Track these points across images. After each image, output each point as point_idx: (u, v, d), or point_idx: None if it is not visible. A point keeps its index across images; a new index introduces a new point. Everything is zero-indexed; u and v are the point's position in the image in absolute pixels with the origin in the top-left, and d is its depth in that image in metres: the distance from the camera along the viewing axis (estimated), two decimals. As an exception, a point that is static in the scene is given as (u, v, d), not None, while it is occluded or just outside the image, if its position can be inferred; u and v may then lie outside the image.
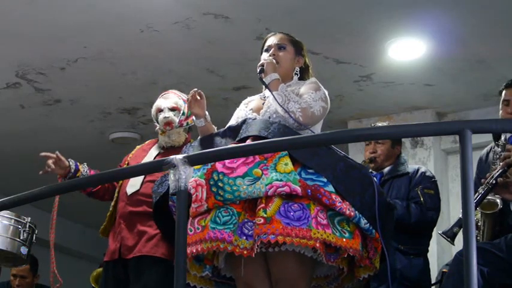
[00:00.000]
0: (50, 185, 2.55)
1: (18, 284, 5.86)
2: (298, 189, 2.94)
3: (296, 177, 2.97)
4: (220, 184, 2.98)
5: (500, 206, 3.52)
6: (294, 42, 3.47)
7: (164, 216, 3.41)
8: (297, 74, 3.44)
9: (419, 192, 4.24)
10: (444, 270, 4.39)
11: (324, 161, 3.05)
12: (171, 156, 2.28)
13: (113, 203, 3.99)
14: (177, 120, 3.98)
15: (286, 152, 3.01)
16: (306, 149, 3.03)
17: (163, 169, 2.31)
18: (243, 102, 3.50)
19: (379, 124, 4.65)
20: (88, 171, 4.02)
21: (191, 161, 2.29)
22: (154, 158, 3.95)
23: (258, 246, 2.91)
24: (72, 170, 3.97)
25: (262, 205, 2.95)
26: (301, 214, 2.93)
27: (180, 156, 2.27)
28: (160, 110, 4.02)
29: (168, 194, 3.27)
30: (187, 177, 2.26)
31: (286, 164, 2.99)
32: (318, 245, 2.91)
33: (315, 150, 3.05)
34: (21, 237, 4.07)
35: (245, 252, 2.92)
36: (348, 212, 2.99)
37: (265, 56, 3.41)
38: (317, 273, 3.25)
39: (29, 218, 4.15)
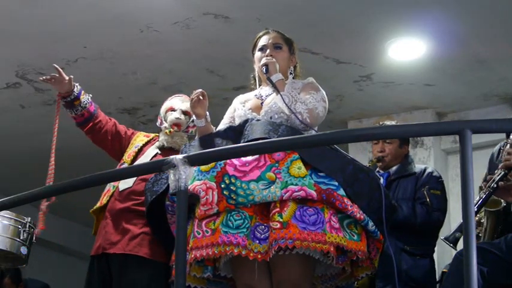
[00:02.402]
0: (50, 185, 2.55)
1: None
2: (314, 193, 2.93)
3: (311, 181, 2.95)
4: (232, 188, 2.95)
5: (504, 204, 3.52)
6: (287, 41, 3.46)
7: (156, 216, 3.39)
8: (292, 74, 3.44)
9: (425, 192, 4.24)
10: (444, 270, 4.39)
11: (334, 164, 3.04)
12: (171, 156, 2.27)
13: (108, 198, 3.95)
14: (186, 124, 3.97)
15: (298, 155, 3.00)
16: (316, 152, 3.02)
17: (163, 169, 2.31)
18: (238, 101, 3.46)
19: (387, 122, 4.65)
20: (89, 103, 4.01)
21: (191, 161, 2.29)
22: (151, 159, 3.94)
23: (275, 251, 2.88)
24: (73, 96, 3.95)
25: (277, 209, 2.92)
26: (316, 218, 2.91)
27: (180, 156, 2.27)
28: (172, 110, 4.00)
29: (163, 193, 3.26)
30: (187, 177, 2.25)
31: (299, 168, 2.97)
32: (332, 249, 2.91)
33: (324, 153, 3.04)
34: (21, 237, 4.07)
35: (259, 256, 2.90)
36: (358, 215, 2.99)
37: (258, 55, 3.40)
38: (315, 272, 3.24)
39: (29, 218, 4.14)
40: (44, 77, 3.91)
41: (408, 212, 4.15)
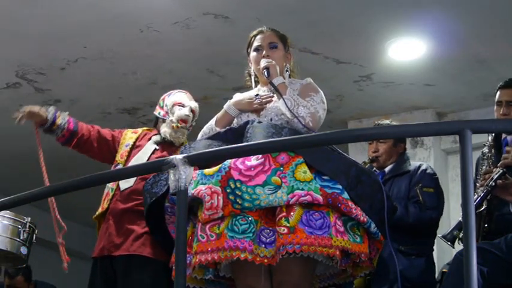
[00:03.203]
0: (50, 185, 2.55)
1: None
2: (320, 198, 2.92)
3: (317, 185, 2.95)
4: (238, 192, 2.93)
5: (485, 206, 3.53)
6: (281, 38, 3.44)
7: (154, 217, 3.39)
8: (288, 71, 3.43)
9: (418, 191, 4.21)
10: (444, 270, 4.38)
11: (338, 166, 3.03)
12: (171, 156, 2.27)
13: (108, 202, 3.95)
14: (190, 122, 4.00)
15: (303, 159, 2.99)
16: (319, 155, 3.02)
17: (163, 169, 2.30)
18: None
19: (383, 122, 4.64)
20: (67, 123, 3.96)
21: (191, 161, 2.28)
22: (151, 154, 3.94)
23: (282, 256, 2.87)
24: (49, 123, 3.93)
25: (284, 214, 2.91)
26: (322, 222, 2.91)
27: (180, 156, 2.27)
28: (181, 105, 4.00)
29: (162, 195, 3.25)
30: (187, 177, 2.25)
31: (304, 172, 2.96)
32: (337, 253, 2.91)
33: (327, 155, 3.04)
34: (21, 237, 4.07)
35: (265, 260, 2.89)
36: (361, 218, 2.99)
37: (254, 56, 3.39)
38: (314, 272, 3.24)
39: (29, 218, 4.14)
40: (17, 120, 3.92)
41: (401, 212, 4.12)
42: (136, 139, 4.07)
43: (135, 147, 4.03)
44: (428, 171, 4.31)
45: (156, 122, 4.15)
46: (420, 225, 4.17)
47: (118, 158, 4.02)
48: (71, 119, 4.00)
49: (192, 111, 4.01)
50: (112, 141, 4.10)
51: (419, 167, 4.34)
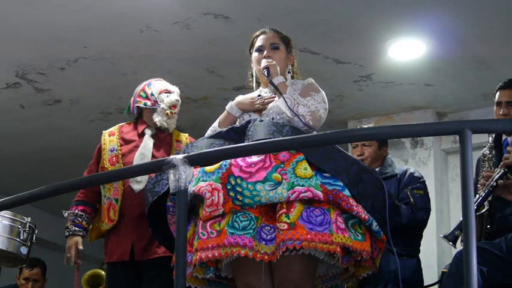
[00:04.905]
0: (50, 185, 2.55)
1: (30, 287, 5.86)
2: (321, 194, 2.92)
3: (317, 182, 2.95)
4: (238, 189, 2.93)
5: (487, 208, 3.54)
6: (284, 39, 3.45)
7: (156, 216, 3.39)
8: (290, 73, 3.43)
9: (409, 193, 4.24)
10: (444, 270, 4.39)
11: (339, 164, 3.03)
12: (171, 156, 2.28)
13: (118, 213, 3.92)
14: (178, 108, 4.04)
15: (303, 156, 2.99)
16: (321, 153, 3.02)
17: (163, 169, 2.30)
18: None
19: (366, 126, 4.65)
20: (89, 215, 4.06)
21: (191, 161, 2.29)
22: (153, 150, 3.94)
23: (282, 252, 2.87)
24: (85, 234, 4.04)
25: (284, 210, 2.91)
26: (323, 219, 2.91)
27: (180, 156, 2.27)
28: (167, 92, 4.02)
29: (164, 194, 3.25)
30: (187, 177, 2.25)
31: (305, 168, 2.96)
32: (338, 249, 2.91)
33: (329, 153, 3.04)
34: (21, 237, 4.07)
35: (266, 257, 2.89)
36: (363, 215, 2.99)
37: (256, 56, 3.40)
38: (316, 272, 3.24)
39: (29, 218, 4.14)
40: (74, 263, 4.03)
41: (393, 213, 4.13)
42: (118, 138, 4.05)
43: (125, 143, 4.01)
44: (416, 174, 4.36)
45: (140, 115, 4.12)
46: (413, 225, 4.20)
47: (107, 164, 3.98)
48: (85, 208, 4.05)
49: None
50: (101, 166, 4.06)
51: (406, 170, 4.38)
